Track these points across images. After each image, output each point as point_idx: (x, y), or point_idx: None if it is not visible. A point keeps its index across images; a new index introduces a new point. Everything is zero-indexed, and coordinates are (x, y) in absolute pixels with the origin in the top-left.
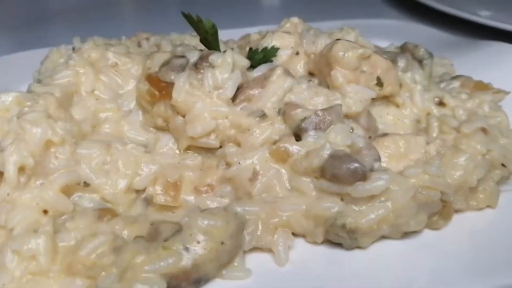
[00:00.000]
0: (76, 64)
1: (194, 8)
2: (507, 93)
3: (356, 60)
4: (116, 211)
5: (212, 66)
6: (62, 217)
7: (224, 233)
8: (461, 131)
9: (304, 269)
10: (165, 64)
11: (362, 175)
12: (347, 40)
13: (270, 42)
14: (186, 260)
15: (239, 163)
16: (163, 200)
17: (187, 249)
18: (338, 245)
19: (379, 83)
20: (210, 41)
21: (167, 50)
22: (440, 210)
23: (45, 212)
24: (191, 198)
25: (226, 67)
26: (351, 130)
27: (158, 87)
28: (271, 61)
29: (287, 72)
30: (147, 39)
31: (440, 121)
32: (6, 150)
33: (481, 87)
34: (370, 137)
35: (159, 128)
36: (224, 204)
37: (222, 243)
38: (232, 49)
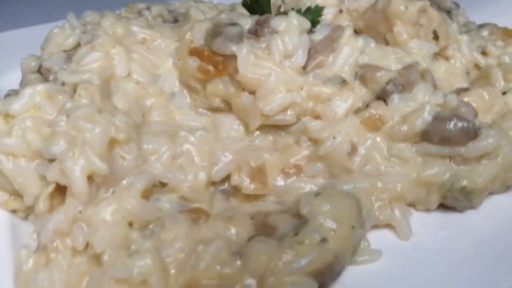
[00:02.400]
0: (104, 43)
1: None
2: None
3: (416, 14)
4: (206, 210)
5: (275, 31)
6: (150, 227)
7: (350, 215)
8: None
9: (430, 238)
10: (216, 34)
11: (474, 134)
12: None
13: (312, 1)
14: (328, 253)
15: (334, 137)
16: (253, 188)
17: (324, 240)
18: (450, 208)
19: (436, 36)
20: (262, 4)
21: (201, 19)
22: None
23: (130, 224)
24: (279, 182)
25: (294, 31)
26: None
27: (213, 62)
28: (319, 21)
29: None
30: (148, 9)
31: (503, 70)
32: (66, 158)
33: (510, 33)
34: None
35: (215, 110)
36: (319, 184)
37: (353, 227)
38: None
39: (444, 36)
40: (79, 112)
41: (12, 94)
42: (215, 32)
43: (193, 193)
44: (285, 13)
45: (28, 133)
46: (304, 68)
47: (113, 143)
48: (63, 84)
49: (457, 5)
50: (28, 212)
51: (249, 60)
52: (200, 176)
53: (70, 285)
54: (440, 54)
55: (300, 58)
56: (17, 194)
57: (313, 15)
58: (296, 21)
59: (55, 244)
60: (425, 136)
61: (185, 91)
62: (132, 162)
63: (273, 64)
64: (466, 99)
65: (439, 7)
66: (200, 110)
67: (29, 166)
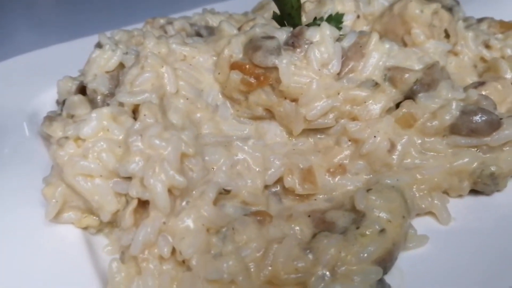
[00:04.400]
0: (153, 63)
1: None
2: None
3: (431, 16)
4: (268, 212)
5: (310, 42)
6: (223, 231)
7: (400, 207)
8: None
9: (465, 221)
10: (256, 48)
11: (498, 124)
12: None
13: (332, 8)
14: (388, 241)
15: (374, 137)
16: (304, 189)
17: (383, 230)
18: (479, 193)
19: (447, 35)
20: (294, 17)
21: (234, 33)
22: None
23: (208, 230)
24: (326, 181)
25: (328, 40)
26: None
27: (254, 74)
28: (341, 28)
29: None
30: (170, 23)
31: (510, 62)
32: (147, 175)
33: (507, 26)
34: None
35: (256, 118)
36: (362, 180)
37: (403, 216)
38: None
39: (453, 34)
40: (151, 132)
41: (53, 115)
42: (254, 46)
43: (252, 198)
44: (314, 23)
45: (103, 154)
46: (338, 74)
47: (182, 157)
48: (120, 105)
49: (457, 2)
50: (100, 228)
51: (290, 71)
52: (257, 181)
53: None
54: (450, 51)
55: (335, 65)
56: (89, 212)
57: (336, 22)
58: (329, 31)
59: (145, 255)
60: (454, 129)
61: (228, 103)
62: (199, 173)
63: (312, 73)
64: (483, 92)
65: (442, 6)
66: (242, 119)
67: (105, 185)
